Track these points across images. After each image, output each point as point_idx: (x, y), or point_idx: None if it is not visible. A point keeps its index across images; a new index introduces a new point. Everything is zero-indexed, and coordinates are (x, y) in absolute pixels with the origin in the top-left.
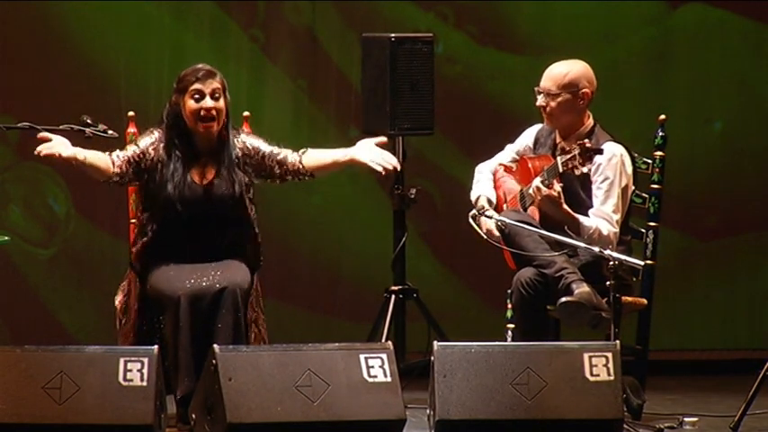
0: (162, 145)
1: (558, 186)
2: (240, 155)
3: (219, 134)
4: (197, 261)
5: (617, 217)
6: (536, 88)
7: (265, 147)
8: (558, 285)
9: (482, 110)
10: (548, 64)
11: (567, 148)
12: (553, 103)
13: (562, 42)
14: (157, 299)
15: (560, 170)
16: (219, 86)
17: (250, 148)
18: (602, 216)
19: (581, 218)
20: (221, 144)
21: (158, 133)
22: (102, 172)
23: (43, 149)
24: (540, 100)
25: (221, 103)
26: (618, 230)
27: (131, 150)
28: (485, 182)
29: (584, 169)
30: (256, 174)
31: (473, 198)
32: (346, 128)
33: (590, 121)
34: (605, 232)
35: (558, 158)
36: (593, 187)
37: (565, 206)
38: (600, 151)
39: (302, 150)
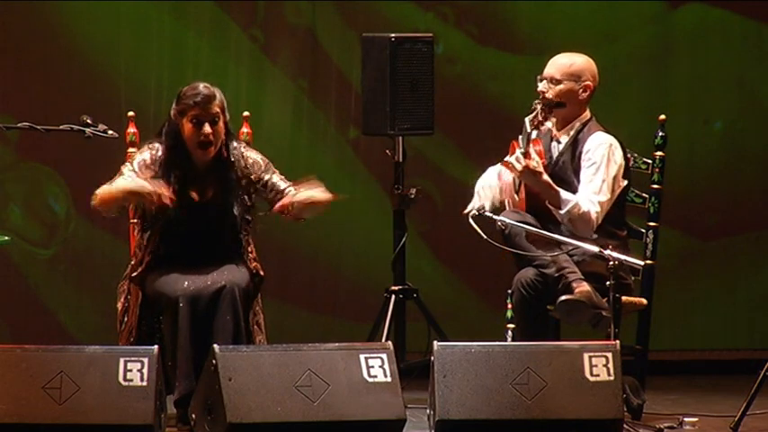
0: (157, 163)
1: (535, 155)
2: (241, 168)
3: (218, 153)
4: (193, 265)
5: (600, 198)
6: (538, 76)
7: (263, 170)
8: (559, 285)
9: (482, 110)
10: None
11: (531, 108)
12: (554, 90)
13: (562, 42)
14: (157, 300)
15: (529, 129)
16: (219, 110)
17: (251, 161)
18: (584, 196)
19: (561, 191)
20: (220, 163)
21: (149, 152)
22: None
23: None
24: (542, 86)
25: (220, 125)
26: (600, 211)
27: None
28: (486, 176)
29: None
30: (246, 189)
31: (476, 190)
32: (346, 128)
33: (587, 114)
34: (585, 209)
35: (526, 119)
36: (581, 172)
37: (545, 176)
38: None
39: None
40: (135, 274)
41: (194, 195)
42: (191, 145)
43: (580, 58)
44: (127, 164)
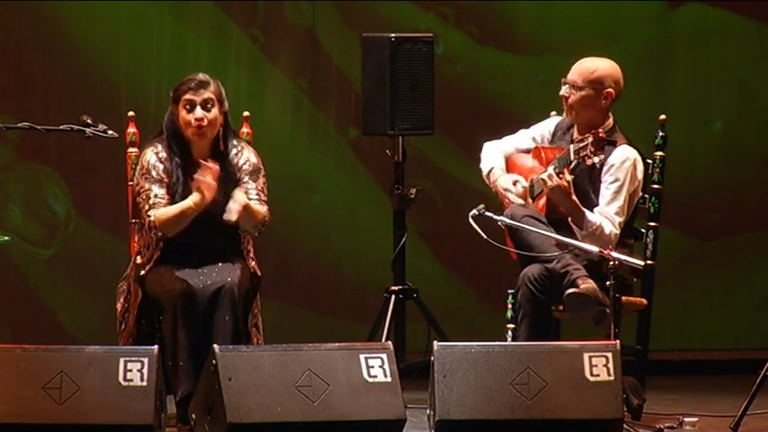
0: (164, 159)
1: (568, 176)
2: (236, 167)
3: (216, 144)
4: (190, 262)
5: (620, 219)
6: (562, 79)
7: (247, 173)
8: (564, 281)
9: (482, 110)
10: (548, 64)
11: (581, 137)
12: (576, 96)
13: (562, 42)
14: (156, 300)
15: (572, 158)
16: (212, 96)
17: (243, 160)
18: (606, 216)
19: (587, 212)
20: (219, 155)
21: (155, 156)
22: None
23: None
24: (564, 90)
25: (213, 113)
26: (618, 232)
27: (162, 189)
28: (493, 155)
29: (596, 159)
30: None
31: (484, 171)
32: (346, 128)
33: (610, 122)
34: (607, 231)
35: (571, 147)
36: (602, 187)
37: (574, 197)
38: (613, 142)
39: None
40: (143, 272)
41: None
42: (186, 132)
43: (604, 64)
44: (148, 186)
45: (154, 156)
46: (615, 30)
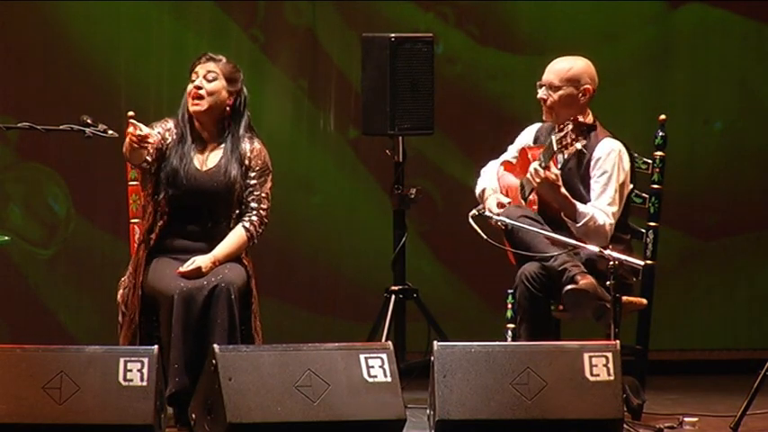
0: (175, 130)
1: (555, 169)
2: (246, 156)
3: (222, 124)
4: (190, 255)
5: (613, 209)
6: (538, 82)
7: (255, 170)
8: (563, 278)
9: (482, 110)
10: (548, 64)
11: (560, 126)
12: (554, 97)
13: (562, 42)
14: (153, 297)
15: (555, 149)
16: (218, 71)
17: (255, 154)
18: (599, 208)
19: (578, 204)
20: (225, 134)
21: (172, 122)
22: (143, 155)
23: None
24: (541, 93)
25: (215, 85)
26: (613, 222)
27: (155, 136)
28: (488, 176)
29: (579, 145)
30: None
31: (477, 191)
32: (346, 128)
33: (590, 118)
34: (600, 222)
35: (552, 137)
36: (591, 181)
37: (563, 190)
38: (593, 127)
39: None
40: (152, 242)
41: (197, 162)
42: (189, 102)
43: (578, 62)
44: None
45: (160, 128)
46: (615, 30)
